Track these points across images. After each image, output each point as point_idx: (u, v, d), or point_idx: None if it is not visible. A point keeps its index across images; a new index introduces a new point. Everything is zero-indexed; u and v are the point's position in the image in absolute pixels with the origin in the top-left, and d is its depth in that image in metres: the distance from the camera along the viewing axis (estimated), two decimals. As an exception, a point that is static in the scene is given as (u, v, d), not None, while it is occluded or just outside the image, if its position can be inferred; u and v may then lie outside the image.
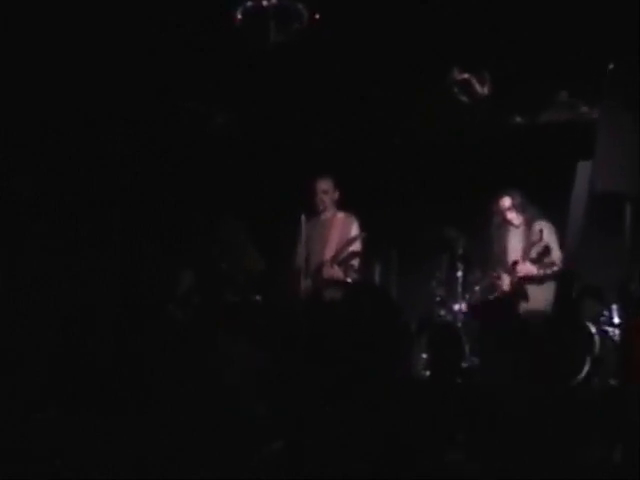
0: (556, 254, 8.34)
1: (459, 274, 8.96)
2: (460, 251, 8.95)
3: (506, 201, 8.56)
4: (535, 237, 8.30)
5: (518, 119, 8.93)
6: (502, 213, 8.60)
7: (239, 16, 7.83)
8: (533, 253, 8.31)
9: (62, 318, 8.13)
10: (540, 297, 8.43)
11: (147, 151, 9.00)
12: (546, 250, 8.24)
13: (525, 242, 8.47)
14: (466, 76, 8.66)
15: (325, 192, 8.69)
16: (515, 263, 8.47)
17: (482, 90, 8.62)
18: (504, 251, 8.67)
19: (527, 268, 8.36)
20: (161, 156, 9.11)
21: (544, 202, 8.54)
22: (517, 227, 8.61)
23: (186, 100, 9.03)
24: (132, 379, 7.33)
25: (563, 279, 8.17)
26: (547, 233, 8.30)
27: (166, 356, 7.89)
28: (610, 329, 8.17)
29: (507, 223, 8.63)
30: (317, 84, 8.95)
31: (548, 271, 8.32)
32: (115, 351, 8.03)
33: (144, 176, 8.98)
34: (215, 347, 7.97)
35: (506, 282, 8.57)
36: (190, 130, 9.26)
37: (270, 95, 9.12)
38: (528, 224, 8.49)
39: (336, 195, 8.74)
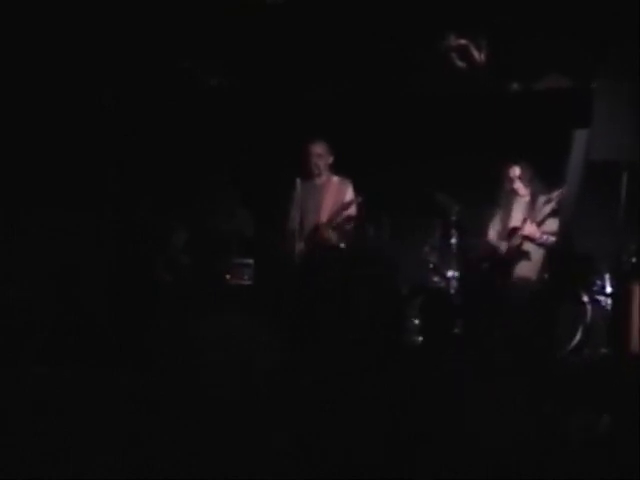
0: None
1: (452, 240, 8.97)
2: (454, 217, 8.96)
3: (516, 170, 8.56)
4: (541, 204, 8.32)
5: (515, 86, 8.90)
6: (510, 181, 8.59)
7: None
8: (539, 216, 8.32)
9: (56, 276, 8.14)
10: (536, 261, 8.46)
11: (142, 110, 8.95)
12: (553, 214, 8.25)
13: (527, 214, 8.46)
14: (463, 42, 8.61)
15: (319, 156, 8.66)
16: (515, 229, 8.48)
17: (479, 57, 8.57)
18: (507, 218, 8.67)
19: (531, 229, 8.36)
20: (156, 116, 9.05)
21: (540, 169, 8.53)
22: (522, 197, 8.61)
23: (181, 59, 8.95)
24: (122, 338, 7.39)
25: (558, 247, 8.18)
26: (550, 207, 8.30)
27: (154, 318, 7.93)
28: (602, 298, 8.19)
29: (513, 192, 8.63)
30: (312, 42, 8.88)
31: (549, 239, 8.31)
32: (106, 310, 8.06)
33: (139, 136, 8.93)
34: (203, 313, 7.99)
35: (501, 251, 8.59)
36: (185, 90, 9.21)
37: (264, 53, 9.06)
38: (533, 197, 8.49)
39: (330, 159, 8.71)
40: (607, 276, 8.22)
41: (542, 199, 8.34)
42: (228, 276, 8.96)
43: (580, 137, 7.34)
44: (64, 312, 7.90)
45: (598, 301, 8.18)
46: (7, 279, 7.78)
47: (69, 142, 8.35)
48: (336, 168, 8.76)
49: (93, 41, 8.17)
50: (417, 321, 8.90)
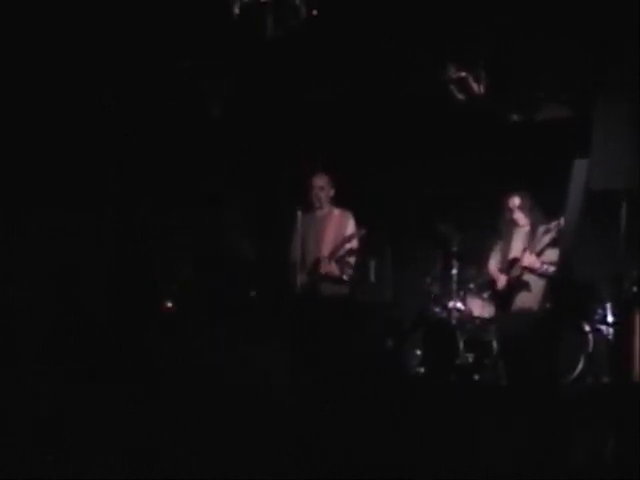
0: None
1: (454, 271, 9.00)
2: (455, 248, 9.00)
3: (515, 200, 8.58)
4: (540, 234, 8.35)
5: (514, 117, 8.96)
6: (510, 211, 8.62)
7: (237, 11, 7.82)
8: (539, 246, 8.34)
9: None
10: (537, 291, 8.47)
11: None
12: (552, 244, 8.27)
13: (527, 244, 8.48)
14: (462, 74, 8.66)
15: (321, 188, 8.67)
16: (515, 260, 8.49)
17: (478, 88, 8.63)
18: (507, 249, 8.69)
19: (531, 259, 8.38)
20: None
21: (540, 199, 8.57)
22: (521, 227, 8.63)
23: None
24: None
25: (558, 276, 8.19)
26: (549, 237, 8.32)
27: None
28: (604, 327, 8.22)
29: (513, 222, 8.65)
30: (312, 71, 8.94)
31: (549, 269, 8.31)
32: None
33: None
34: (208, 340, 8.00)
35: (502, 280, 8.59)
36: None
37: (265, 81, 9.12)
38: (532, 227, 8.51)
39: (332, 192, 8.73)
40: (608, 305, 8.25)
41: (541, 229, 8.36)
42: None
43: (579, 166, 7.37)
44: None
45: (600, 330, 8.21)
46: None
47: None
48: (338, 200, 8.80)
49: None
50: (419, 352, 8.94)
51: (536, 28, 7.90)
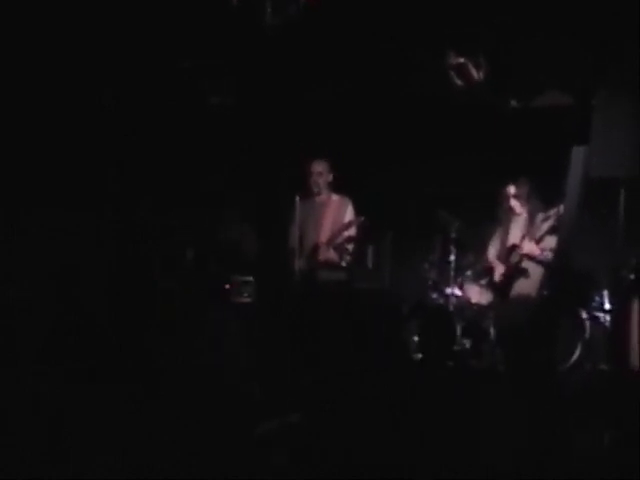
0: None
1: (452, 258, 9.00)
2: (453, 235, 8.99)
3: (511, 189, 8.60)
4: (539, 221, 8.36)
5: (514, 103, 8.92)
6: (507, 199, 8.63)
7: (235, -2, 7.79)
8: (538, 233, 8.35)
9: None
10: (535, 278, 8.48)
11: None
12: (551, 231, 8.28)
13: (526, 231, 8.49)
14: (462, 60, 8.63)
15: (319, 174, 8.67)
16: (513, 247, 8.51)
17: (478, 75, 8.60)
18: (505, 236, 8.71)
19: (530, 247, 8.39)
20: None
21: (539, 186, 8.57)
22: (519, 215, 8.64)
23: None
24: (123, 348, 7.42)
25: (556, 264, 8.20)
26: (548, 225, 8.33)
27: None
28: (601, 314, 8.23)
29: (510, 210, 8.67)
30: (311, 59, 8.90)
31: (548, 256, 8.32)
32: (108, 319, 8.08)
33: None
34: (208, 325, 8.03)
35: (500, 267, 8.61)
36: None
37: (264, 70, 9.09)
38: (530, 215, 8.52)
39: (330, 177, 8.72)
40: (606, 292, 8.26)
41: (540, 216, 8.37)
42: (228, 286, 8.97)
43: (578, 154, 7.36)
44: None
45: (597, 317, 8.22)
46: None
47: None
48: (337, 186, 8.78)
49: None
50: (416, 338, 8.95)
51: (536, 27, 7.86)
